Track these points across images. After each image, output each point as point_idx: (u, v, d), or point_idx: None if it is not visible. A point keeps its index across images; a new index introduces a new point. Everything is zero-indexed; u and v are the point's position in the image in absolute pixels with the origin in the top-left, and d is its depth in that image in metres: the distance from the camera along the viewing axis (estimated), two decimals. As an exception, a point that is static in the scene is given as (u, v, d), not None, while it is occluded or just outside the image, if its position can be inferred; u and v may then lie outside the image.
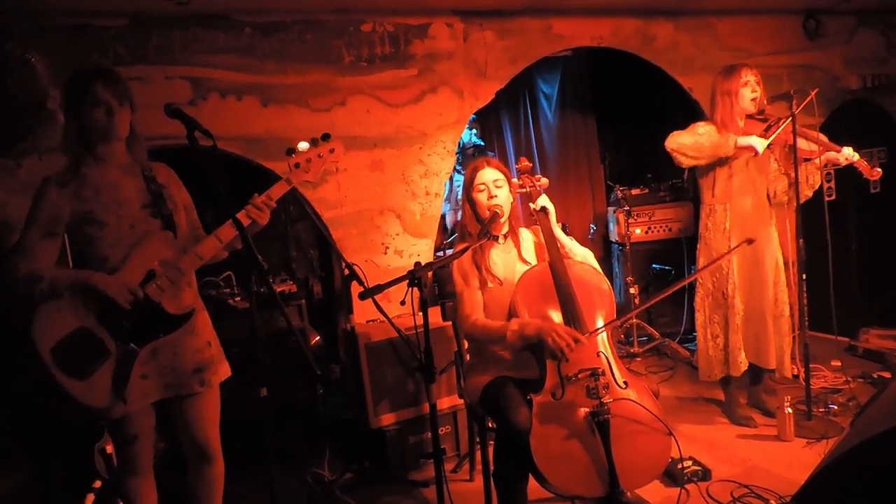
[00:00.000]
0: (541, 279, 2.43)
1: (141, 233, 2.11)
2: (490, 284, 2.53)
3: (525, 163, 2.73)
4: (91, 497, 2.86)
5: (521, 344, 2.38)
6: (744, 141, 3.16)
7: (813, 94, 3.13)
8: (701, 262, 3.42)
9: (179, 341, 2.15)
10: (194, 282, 2.28)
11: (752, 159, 3.25)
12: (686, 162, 3.29)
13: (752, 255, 3.29)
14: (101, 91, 2.04)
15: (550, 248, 2.49)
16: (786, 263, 3.34)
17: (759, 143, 3.13)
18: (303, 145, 2.23)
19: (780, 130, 3.16)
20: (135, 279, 2.05)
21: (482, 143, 5.71)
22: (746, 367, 3.33)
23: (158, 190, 2.18)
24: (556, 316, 2.39)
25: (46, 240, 2.04)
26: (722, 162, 3.28)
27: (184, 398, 2.20)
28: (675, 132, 3.29)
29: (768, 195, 3.34)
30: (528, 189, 2.62)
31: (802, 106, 3.16)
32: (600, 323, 2.39)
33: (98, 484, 2.89)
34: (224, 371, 2.31)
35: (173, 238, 2.17)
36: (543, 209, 2.55)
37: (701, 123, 3.30)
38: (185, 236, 2.24)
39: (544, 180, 2.64)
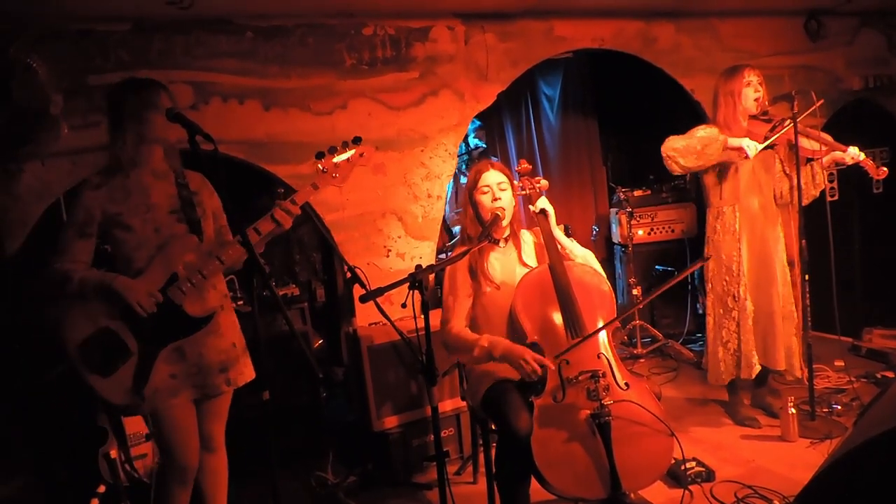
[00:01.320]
0: (541, 282, 2.43)
1: (165, 237, 2.16)
2: (488, 289, 2.52)
3: (525, 165, 2.73)
4: (95, 502, 2.86)
5: (488, 361, 2.39)
6: (734, 142, 3.11)
7: (818, 104, 3.10)
8: (710, 264, 3.38)
9: (204, 342, 2.20)
10: (220, 284, 2.33)
11: (759, 160, 3.21)
12: (676, 169, 3.25)
13: (761, 255, 3.27)
14: (165, 98, 2.14)
15: (550, 250, 2.49)
16: (790, 263, 3.33)
17: (751, 147, 3.08)
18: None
19: (783, 132, 3.13)
20: (158, 282, 2.12)
21: (485, 146, 5.72)
22: (760, 370, 3.29)
23: (189, 196, 2.24)
24: (557, 318, 2.38)
25: (80, 240, 2.13)
26: (727, 164, 3.26)
27: (211, 397, 2.26)
28: (671, 137, 3.25)
29: (774, 195, 3.32)
30: (528, 191, 2.62)
31: (807, 113, 3.13)
32: (601, 324, 2.39)
33: (102, 489, 2.89)
34: (249, 372, 2.35)
35: (198, 242, 2.22)
36: (543, 211, 2.55)
37: (702, 127, 3.25)
38: (211, 241, 2.29)
39: (544, 182, 2.64)
